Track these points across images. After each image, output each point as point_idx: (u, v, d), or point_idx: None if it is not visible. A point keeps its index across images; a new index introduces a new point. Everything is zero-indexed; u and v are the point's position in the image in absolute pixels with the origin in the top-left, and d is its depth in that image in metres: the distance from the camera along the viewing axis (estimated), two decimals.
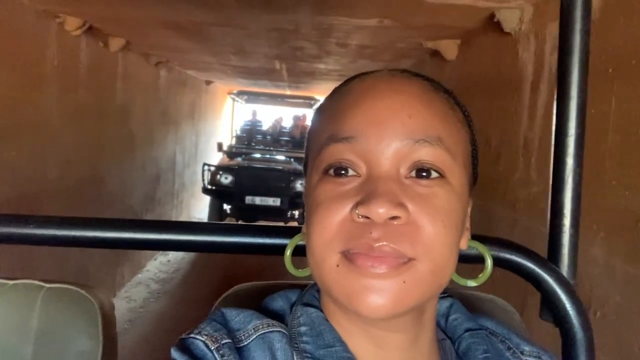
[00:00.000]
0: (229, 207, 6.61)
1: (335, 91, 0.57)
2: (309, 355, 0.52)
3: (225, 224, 0.79)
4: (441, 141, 0.50)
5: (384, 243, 0.46)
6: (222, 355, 0.49)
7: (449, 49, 3.08)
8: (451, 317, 0.62)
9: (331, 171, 0.51)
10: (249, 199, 6.22)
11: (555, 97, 0.78)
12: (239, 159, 6.81)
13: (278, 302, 0.59)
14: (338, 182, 0.50)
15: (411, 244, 0.47)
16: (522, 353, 0.61)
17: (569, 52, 0.77)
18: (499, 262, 0.71)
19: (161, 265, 5.45)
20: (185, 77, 6.67)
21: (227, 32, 3.60)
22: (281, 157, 7.20)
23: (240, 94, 8.30)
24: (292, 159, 7.03)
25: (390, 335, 0.53)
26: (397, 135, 0.49)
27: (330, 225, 0.49)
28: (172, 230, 0.76)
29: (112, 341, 0.83)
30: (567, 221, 0.77)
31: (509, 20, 2.25)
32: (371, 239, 0.47)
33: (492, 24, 2.32)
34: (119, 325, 3.30)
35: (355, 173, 0.50)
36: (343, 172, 0.51)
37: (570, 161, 0.77)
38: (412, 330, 0.54)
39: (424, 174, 0.50)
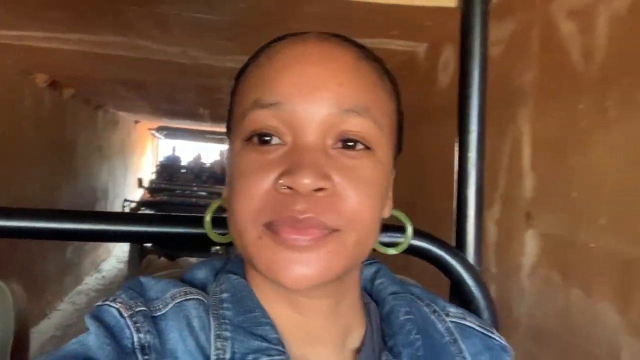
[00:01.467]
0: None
1: (260, 52, 0.53)
2: (227, 321, 0.50)
3: (144, 214, 0.81)
4: (369, 112, 0.49)
5: (309, 215, 0.45)
6: (135, 323, 0.48)
7: None
8: (377, 282, 0.62)
9: (255, 138, 0.48)
10: None
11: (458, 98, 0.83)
12: (160, 195, 6.73)
13: (202, 271, 0.58)
14: (262, 151, 0.48)
15: (336, 215, 0.47)
16: (447, 315, 0.61)
17: (469, 55, 0.82)
18: (410, 250, 0.71)
19: (97, 280, 6.30)
20: (117, 117, 7.62)
21: (163, 87, 4.71)
22: (203, 193, 7.15)
23: (160, 129, 8.62)
24: (213, 195, 6.90)
25: (312, 302, 0.53)
26: (325, 104, 0.47)
27: (253, 196, 0.47)
28: (96, 221, 0.73)
29: (25, 333, 0.81)
30: (471, 212, 0.81)
31: None
32: (296, 211, 0.45)
33: None
34: (70, 319, 4.26)
35: (280, 141, 0.48)
36: (267, 139, 0.48)
37: (472, 155, 0.81)
38: (333, 297, 0.53)
39: (351, 144, 0.49)
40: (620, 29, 1.30)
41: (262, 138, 0.48)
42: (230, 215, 0.50)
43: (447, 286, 0.76)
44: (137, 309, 0.49)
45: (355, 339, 0.56)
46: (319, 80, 0.48)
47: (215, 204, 0.59)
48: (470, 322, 0.62)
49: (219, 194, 7.15)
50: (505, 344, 0.62)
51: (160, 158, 9.45)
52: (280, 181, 0.46)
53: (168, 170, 8.51)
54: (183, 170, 8.64)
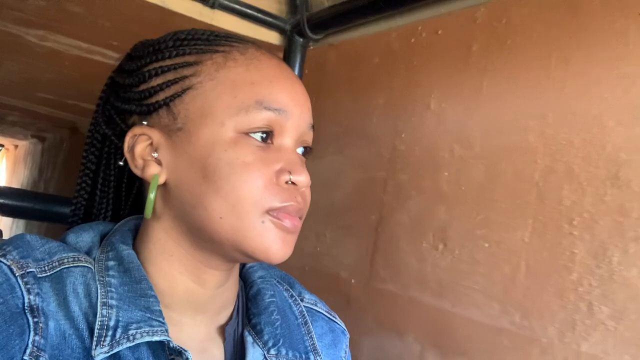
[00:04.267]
0: None
1: (228, 48, 0.58)
2: (113, 290, 0.53)
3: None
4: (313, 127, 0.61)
5: (302, 206, 0.57)
6: (27, 284, 0.48)
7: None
8: (248, 265, 0.70)
9: (258, 134, 0.55)
10: None
11: None
12: None
13: (89, 234, 0.59)
14: (261, 147, 0.55)
15: (306, 206, 0.59)
16: (302, 300, 0.71)
17: None
18: None
19: None
20: None
21: None
22: None
23: None
24: None
25: (215, 273, 0.59)
26: (306, 119, 0.59)
27: (260, 185, 0.54)
28: None
29: None
30: None
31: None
32: (299, 202, 0.56)
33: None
34: None
35: (270, 141, 0.56)
36: (265, 137, 0.56)
37: None
38: (229, 270, 0.61)
39: (306, 151, 0.61)
40: None
41: (262, 135, 0.56)
42: (228, 199, 0.53)
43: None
44: (28, 270, 0.49)
45: (225, 314, 0.63)
46: (304, 99, 0.60)
47: (156, 183, 0.57)
48: (320, 308, 0.73)
49: None
50: (344, 328, 0.74)
51: None
52: (290, 177, 0.55)
53: None
54: None
